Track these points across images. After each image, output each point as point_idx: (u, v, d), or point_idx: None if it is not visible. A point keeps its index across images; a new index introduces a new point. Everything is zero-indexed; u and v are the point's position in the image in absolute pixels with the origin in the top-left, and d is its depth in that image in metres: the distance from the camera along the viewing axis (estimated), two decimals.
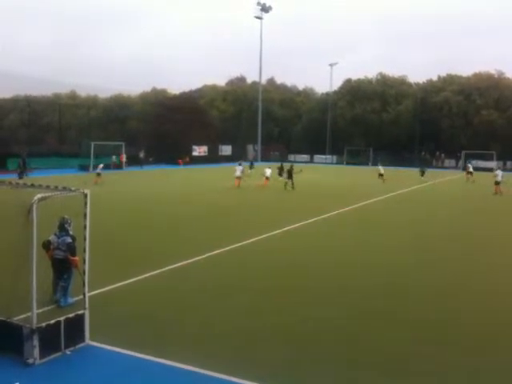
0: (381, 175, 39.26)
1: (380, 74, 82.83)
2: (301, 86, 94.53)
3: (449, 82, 76.00)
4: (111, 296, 9.93)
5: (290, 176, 31.52)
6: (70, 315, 7.46)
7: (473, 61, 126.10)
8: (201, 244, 14.68)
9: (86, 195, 7.39)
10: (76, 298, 8.82)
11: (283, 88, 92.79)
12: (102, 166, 36.24)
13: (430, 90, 75.83)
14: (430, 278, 11.88)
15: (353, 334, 8.36)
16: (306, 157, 78.69)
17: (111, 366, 7.06)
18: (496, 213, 23.87)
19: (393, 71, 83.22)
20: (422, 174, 41.64)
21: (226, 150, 72.40)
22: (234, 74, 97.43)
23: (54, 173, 41.02)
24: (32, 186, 7.79)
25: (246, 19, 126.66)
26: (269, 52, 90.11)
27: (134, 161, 53.64)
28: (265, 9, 75.42)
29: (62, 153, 52.24)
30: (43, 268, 7.75)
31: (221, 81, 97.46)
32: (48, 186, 7.37)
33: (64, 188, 7.38)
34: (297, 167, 33.65)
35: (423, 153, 69.67)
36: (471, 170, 42.89)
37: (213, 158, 66.44)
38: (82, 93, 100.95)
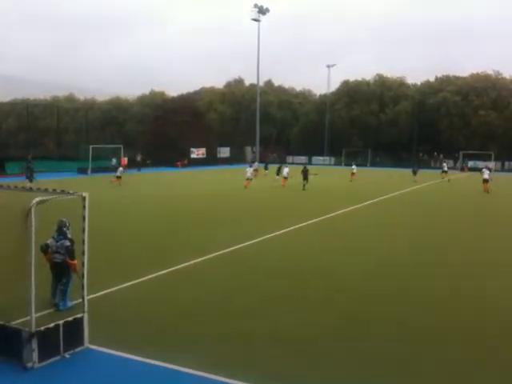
0: (353, 174, 42.46)
1: (378, 75, 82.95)
2: (298, 88, 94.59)
3: (446, 83, 76.05)
4: (111, 299, 9.91)
5: (305, 177, 33.11)
6: (69, 319, 7.45)
7: (470, 62, 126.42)
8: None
9: (84, 198, 7.37)
10: (75, 302, 8.80)
11: (281, 90, 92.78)
12: (121, 168, 37.06)
13: (428, 91, 75.90)
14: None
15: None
16: (304, 158, 78.65)
17: (111, 370, 7.05)
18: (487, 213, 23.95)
19: (391, 73, 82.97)
20: (415, 173, 42.78)
21: (225, 152, 72.40)
22: (232, 76, 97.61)
23: (53, 176, 41.06)
24: (30, 189, 7.77)
25: (244, 21, 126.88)
26: (266, 54, 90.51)
27: (131, 164, 53.56)
28: (262, 11, 75.32)
29: (60, 156, 52.21)
30: (42, 272, 7.74)
31: (219, 83, 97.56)
32: (46, 189, 7.36)
33: (62, 191, 7.37)
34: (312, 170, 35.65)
35: (421, 154, 69.76)
36: (446, 169, 46.07)
37: (211, 160, 66.43)
38: (80, 96, 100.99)
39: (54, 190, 7.33)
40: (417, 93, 77.05)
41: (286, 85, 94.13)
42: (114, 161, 51.89)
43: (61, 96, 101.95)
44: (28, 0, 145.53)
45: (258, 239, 15.86)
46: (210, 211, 22.92)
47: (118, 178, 35.24)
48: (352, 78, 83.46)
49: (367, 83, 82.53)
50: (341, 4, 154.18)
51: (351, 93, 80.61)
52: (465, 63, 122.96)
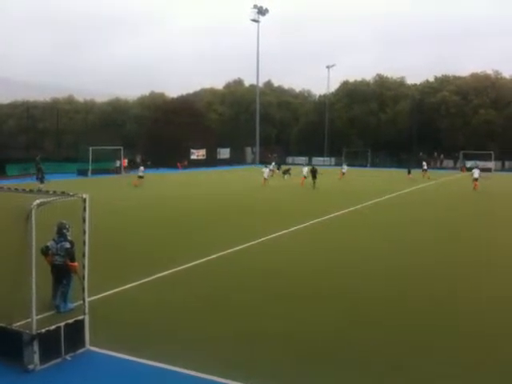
0: (343, 174, 45.37)
1: (378, 75, 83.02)
2: (298, 89, 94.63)
3: (446, 83, 76.14)
4: (112, 300, 9.91)
5: (314, 176, 35.36)
6: (70, 321, 7.44)
7: (469, 61, 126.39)
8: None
9: (84, 200, 7.37)
10: (76, 304, 8.80)
11: (280, 90, 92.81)
12: (143, 168, 37.37)
13: (427, 90, 75.93)
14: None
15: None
16: (304, 159, 78.57)
17: (112, 372, 7.04)
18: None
19: (390, 72, 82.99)
20: (409, 172, 45.31)
21: (225, 153, 72.40)
22: (232, 76, 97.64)
23: (52, 178, 40.91)
24: (30, 191, 7.78)
25: (243, 22, 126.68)
26: (266, 54, 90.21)
27: (131, 165, 53.62)
28: (261, 12, 75.51)
29: (60, 157, 52.21)
30: (42, 274, 7.74)
31: (218, 84, 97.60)
32: (47, 191, 7.36)
33: (63, 193, 7.37)
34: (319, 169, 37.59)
35: (421, 153, 69.81)
36: (425, 167, 47.92)
37: (211, 161, 66.43)
38: (80, 97, 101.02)
39: (55, 191, 7.33)
40: (416, 92, 77.05)
41: (286, 85, 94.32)
42: (118, 163, 51.92)
43: (60, 98, 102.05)
44: (28, 2, 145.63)
45: (266, 237, 15.90)
46: (216, 212, 22.90)
47: (140, 177, 35.87)
48: (351, 79, 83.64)
49: (367, 83, 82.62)
50: (340, 4, 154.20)
51: (351, 93, 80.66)
52: (464, 63, 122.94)
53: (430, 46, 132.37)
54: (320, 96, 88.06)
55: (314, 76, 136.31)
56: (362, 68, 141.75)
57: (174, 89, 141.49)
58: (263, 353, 7.59)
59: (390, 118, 75.25)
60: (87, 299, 7.66)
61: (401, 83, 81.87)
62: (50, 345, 7.06)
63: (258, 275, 12.03)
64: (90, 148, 48.62)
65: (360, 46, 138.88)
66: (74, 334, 7.41)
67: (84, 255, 7.50)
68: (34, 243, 6.87)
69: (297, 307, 9.72)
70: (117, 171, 50.89)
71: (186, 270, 12.34)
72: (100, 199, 24.39)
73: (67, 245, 8.87)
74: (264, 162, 58.14)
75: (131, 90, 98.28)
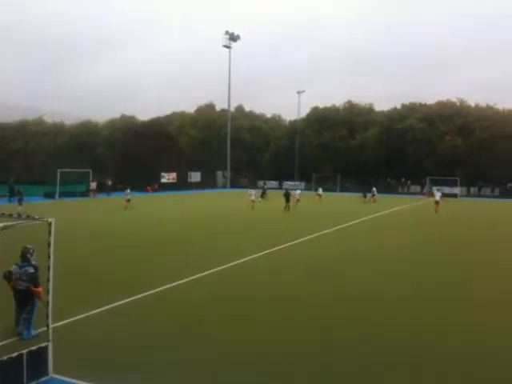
0: (319, 195, 49.12)
1: (348, 102, 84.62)
2: (269, 114, 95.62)
3: (412, 110, 78.05)
4: (78, 326, 9.70)
5: (287, 200, 35.71)
6: (33, 348, 7.27)
7: (434, 90, 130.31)
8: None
9: (50, 224, 7.28)
10: (39, 330, 8.60)
11: (252, 115, 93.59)
12: (129, 191, 37.37)
13: (395, 117, 77.64)
14: None
15: None
16: (274, 183, 79.13)
17: None
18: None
19: (359, 99, 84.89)
20: (364, 196, 49.70)
21: (196, 176, 72.27)
22: (203, 100, 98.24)
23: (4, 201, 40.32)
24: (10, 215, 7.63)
25: (215, 48, 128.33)
26: (238, 80, 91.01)
27: (100, 188, 53.07)
28: (233, 38, 76.61)
29: (27, 180, 51.36)
30: (5, 299, 7.58)
31: (190, 108, 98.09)
32: (10, 215, 7.25)
33: (28, 216, 7.27)
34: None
35: (388, 179, 70.97)
36: (375, 193, 50.32)
37: (182, 184, 66.15)
38: (49, 119, 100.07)
39: (19, 215, 7.23)
40: (385, 119, 78.67)
41: (257, 110, 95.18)
42: (95, 185, 51.36)
43: (29, 120, 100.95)
44: (1, 26, 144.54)
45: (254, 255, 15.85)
46: (187, 235, 22.80)
47: (128, 201, 36.00)
48: (321, 105, 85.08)
49: (337, 109, 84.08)
50: (311, 33, 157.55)
51: (321, 119, 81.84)
52: (429, 91, 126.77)
53: (396, 75, 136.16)
54: (291, 121, 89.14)
55: (285, 101, 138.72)
56: (331, 94, 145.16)
57: (145, 112, 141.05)
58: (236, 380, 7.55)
59: (359, 144, 76.54)
60: (51, 325, 7.51)
61: (370, 110, 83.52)
62: (12, 373, 6.88)
63: (224, 300, 11.99)
64: (58, 170, 47.95)
65: (330, 73, 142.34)
66: (37, 362, 7.24)
67: (48, 280, 7.37)
68: None
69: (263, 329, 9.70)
70: (86, 194, 50.25)
71: (155, 294, 12.20)
72: (71, 223, 24.14)
73: (31, 270, 8.70)
74: (235, 186, 58.10)
75: (102, 112, 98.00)
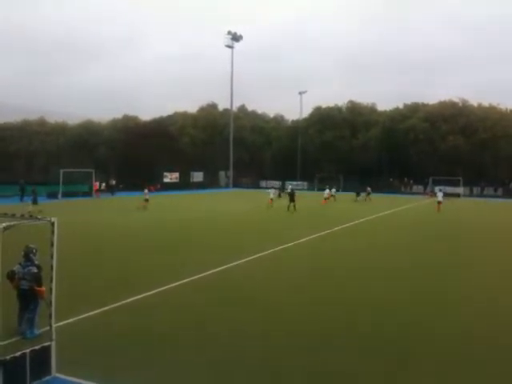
0: (327, 198, 46.29)
1: (350, 101, 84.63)
2: (271, 113, 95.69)
3: (414, 110, 77.94)
4: (81, 326, 9.73)
5: (292, 199, 35.32)
6: (36, 347, 7.29)
7: (437, 90, 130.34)
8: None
9: (52, 224, 7.30)
10: (42, 330, 8.62)
11: (254, 115, 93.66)
12: (147, 191, 37.81)
13: (397, 117, 77.53)
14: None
15: None
16: (277, 183, 79.09)
17: None
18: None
19: (362, 99, 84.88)
20: (358, 195, 50.12)
21: (198, 176, 72.35)
22: (206, 100, 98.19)
23: (17, 201, 40.51)
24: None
25: (218, 48, 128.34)
26: (240, 80, 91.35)
27: (110, 188, 53.40)
28: (235, 38, 76.63)
29: (30, 180, 51.43)
30: (9, 299, 7.59)
31: (192, 108, 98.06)
32: (14, 215, 7.27)
33: (31, 217, 7.30)
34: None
35: (391, 179, 70.83)
36: (370, 192, 51.00)
37: (184, 184, 66.22)
38: (51, 120, 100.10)
39: (22, 215, 7.26)
40: (387, 119, 78.58)
41: (259, 110, 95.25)
42: (103, 185, 51.74)
43: (31, 120, 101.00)
44: (3, 28, 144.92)
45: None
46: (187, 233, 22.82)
47: (146, 200, 36.34)
48: (324, 104, 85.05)
49: (339, 109, 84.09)
50: (313, 33, 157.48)
51: (323, 119, 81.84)
52: (432, 91, 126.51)
53: (399, 74, 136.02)
54: (293, 121, 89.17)
55: (287, 102, 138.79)
56: (333, 95, 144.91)
57: (148, 112, 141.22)
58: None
59: (362, 144, 76.50)
60: (54, 325, 7.53)
61: (372, 110, 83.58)
62: (15, 372, 6.90)
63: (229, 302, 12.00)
64: (61, 170, 48.06)
65: (332, 73, 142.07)
66: (41, 361, 7.26)
67: (51, 280, 7.39)
68: None
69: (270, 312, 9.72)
70: (89, 194, 50.35)
71: (159, 293, 12.22)
72: (77, 222, 24.18)
73: (34, 269, 8.72)
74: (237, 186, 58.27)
75: (104, 113, 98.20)
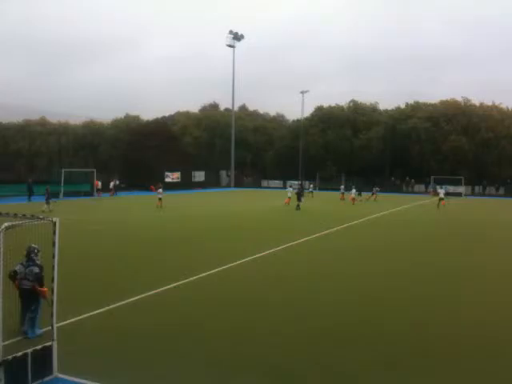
0: (353, 199, 44.82)
1: (352, 101, 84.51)
2: (273, 113, 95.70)
3: (417, 110, 77.81)
4: (83, 326, 9.71)
5: (299, 199, 36.38)
6: (38, 347, 7.27)
7: (439, 88, 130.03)
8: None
9: (54, 223, 7.28)
10: (44, 329, 8.61)
11: (255, 115, 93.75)
12: (161, 190, 38.07)
13: (399, 117, 77.40)
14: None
15: None
16: (278, 182, 79.24)
17: None
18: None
19: (363, 98, 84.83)
20: (360, 194, 48.61)
21: (200, 176, 72.35)
22: (208, 100, 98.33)
23: (23, 200, 40.59)
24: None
25: (220, 47, 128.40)
26: (242, 79, 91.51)
27: (106, 188, 53.31)
28: (237, 37, 76.68)
29: (32, 180, 51.46)
30: (11, 298, 7.59)
31: (194, 107, 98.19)
32: (15, 214, 7.25)
33: (32, 216, 7.28)
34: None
35: (393, 178, 70.71)
36: (377, 190, 50.87)
37: (186, 183, 66.21)
38: (53, 120, 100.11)
39: (24, 215, 7.24)
40: (389, 119, 78.46)
41: (261, 110, 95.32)
42: (111, 184, 51.96)
43: (33, 120, 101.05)
44: (3, 28, 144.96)
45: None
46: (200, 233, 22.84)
47: (160, 199, 36.67)
48: (325, 104, 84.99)
49: (341, 108, 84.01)
50: (314, 33, 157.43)
51: (325, 118, 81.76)
52: (434, 90, 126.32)
53: (402, 74, 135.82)
54: (294, 121, 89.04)
55: (288, 102, 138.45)
56: (335, 95, 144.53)
57: (150, 112, 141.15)
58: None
59: (364, 144, 76.35)
60: (56, 325, 7.51)
61: (374, 109, 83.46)
62: (17, 372, 6.89)
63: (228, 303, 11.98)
64: (63, 170, 48.16)
65: (333, 73, 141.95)
66: (42, 361, 7.24)
67: (53, 280, 7.37)
68: (1, 267, 6.73)
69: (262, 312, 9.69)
70: (90, 193, 50.41)
71: (157, 294, 12.20)
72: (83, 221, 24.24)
73: (36, 269, 8.70)
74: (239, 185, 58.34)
75: (106, 113, 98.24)
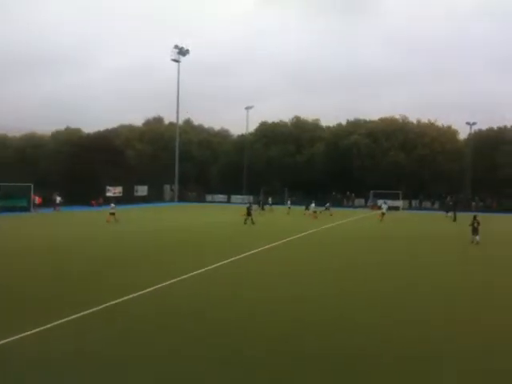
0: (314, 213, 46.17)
1: (296, 117, 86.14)
2: (217, 128, 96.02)
3: (357, 126, 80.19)
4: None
5: (249, 213, 36.46)
6: None
7: (379, 106, 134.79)
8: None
9: None
10: None
11: (200, 129, 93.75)
12: (113, 205, 37.72)
13: (341, 133, 79.47)
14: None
15: None
16: (223, 197, 79.49)
17: None
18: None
19: (306, 115, 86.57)
20: (306, 208, 49.25)
21: (142, 190, 71.48)
22: (151, 114, 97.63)
23: None
24: None
25: (166, 61, 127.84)
26: (187, 93, 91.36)
27: (47, 203, 52.10)
28: (182, 52, 76.84)
29: None
30: None
31: (137, 121, 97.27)
32: None
33: None
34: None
35: (333, 192, 72.34)
36: (328, 206, 51.55)
37: (128, 198, 65.17)
38: None
39: None
40: (331, 135, 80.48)
41: (206, 124, 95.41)
42: (58, 199, 51.00)
43: None
44: None
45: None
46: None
47: (112, 214, 36.31)
48: (270, 120, 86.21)
49: (285, 125, 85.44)
50: (261, 48, 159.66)
51: (269, 134, 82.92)
52: (374, 108, 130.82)
53: (341, 93, 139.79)
54: (239, 136, 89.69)
55: (233, 117, 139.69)
56: (279, 110, 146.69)
57: (91, 125, 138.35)
58: None
59: (306, 160, 77.83)
60: None
61: (316, 125, 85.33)
62: None
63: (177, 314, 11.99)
64: None
65: (277, 90, 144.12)
66: None
67: None
68: None
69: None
70: (27, 209, 48.93)
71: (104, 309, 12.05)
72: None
73: None
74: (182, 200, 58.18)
75: (46, 126, 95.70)
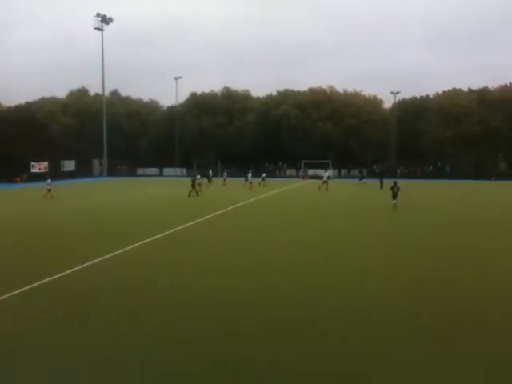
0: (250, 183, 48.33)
1: (225, 88, 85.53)
2: (146, 99, 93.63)
3: (287, 97, 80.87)
4: None
5: (193, 186, 38.07)
6: None
7: (307, 78, 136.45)
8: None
9: None
10: None
11: (129, 100, 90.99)
12: (50, 181, 36.66)
13: (271, 104, 79.91)
14: None
15: None
16: (155, 170, 78.22)
17: None
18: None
19: (237, 86, 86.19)
20: (246, 180, 49.66)
21: (69, 165, 68.97)
22: (75, 85, 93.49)
23: None
24: None
25: (89, 32, 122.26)
26: (113, 65, 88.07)
27: None
28: (105, 20, 73.70)
29: None
30: None
31: (61, 93, 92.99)
32: None
33: None
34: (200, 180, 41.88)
35: (266, 163, 72.97)
36: (264, 177, 51.78)
37: (54, 174, 62.50)
38: None
39: None
40: (261, 106, 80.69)
41: (134, 96, 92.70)
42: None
43: None
44: None
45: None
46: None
47: (49, 190, 35.62)
48: (200, 91, 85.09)
49: (215, 95, 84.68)
50: (190, 18, 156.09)
51: (200, 105, 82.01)
52: (303, 79, 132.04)
53: (272, 65, 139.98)
54: (169, 107, 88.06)
55: (162, 89, 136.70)
56: (210, 83, 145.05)
57: (10, 99, 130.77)
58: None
59: (238, 131, 77.77)
60: None
61: (247, 96, 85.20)
62: None
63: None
64: None
65: (206, 61, 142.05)
66: None
67: None
68: None
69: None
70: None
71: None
72: None
73: None
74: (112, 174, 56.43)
75: None
